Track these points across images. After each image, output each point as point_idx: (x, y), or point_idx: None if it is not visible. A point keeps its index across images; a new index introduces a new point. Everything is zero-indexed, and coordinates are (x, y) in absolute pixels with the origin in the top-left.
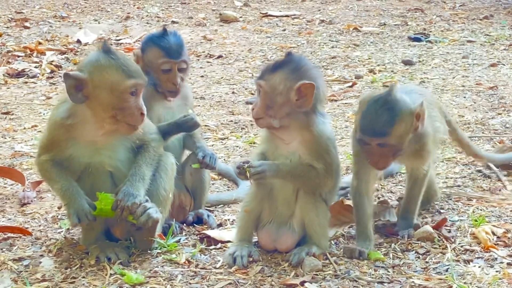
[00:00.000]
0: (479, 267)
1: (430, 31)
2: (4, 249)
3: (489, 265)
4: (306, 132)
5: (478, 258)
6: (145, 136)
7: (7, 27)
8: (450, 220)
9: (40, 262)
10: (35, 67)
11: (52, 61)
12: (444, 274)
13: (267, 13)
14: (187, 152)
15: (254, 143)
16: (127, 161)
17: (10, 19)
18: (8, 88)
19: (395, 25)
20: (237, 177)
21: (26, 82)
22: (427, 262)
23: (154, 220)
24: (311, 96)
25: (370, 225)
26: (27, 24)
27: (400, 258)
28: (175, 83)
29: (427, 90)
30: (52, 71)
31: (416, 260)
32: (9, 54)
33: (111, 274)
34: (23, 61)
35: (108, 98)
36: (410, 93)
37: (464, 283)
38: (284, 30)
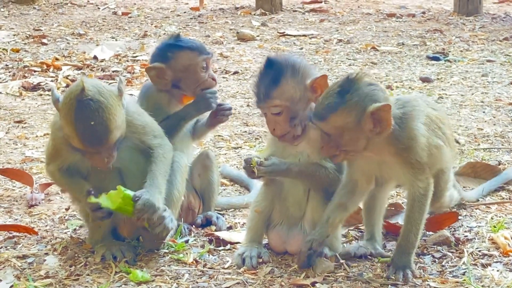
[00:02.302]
0: (497, 271)
1: (449, 51)
2: (8, 247)
3: (508, 269)
4: (313, 131)
5: (496, 262)
6: (148, 137)
7: (25, 43)
8: (467, 226)
9: (45, 260)
10: (51, 81)
11: (68, 75)
12: (461, 278)
13: (284, 32)
14: (194, 154)
15: (266, 146)
16: (133, 159)
17: (28, 36)
18: (22, 100)
19: (414, 45)
20: (245, 173)
21: (41, 95)
22: (443, 266)
23: (169, 231)
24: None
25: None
26: (44, 40)
27: (415, 261)
28: (214, 78)
29: (436, 105)
30: (67, 85)
31: (432, 264)
32: (26, 69)
33: (116, 272)
34: (39, 75)
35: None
36: (407, 101)
37: (482, 286)
38: (301, 48)
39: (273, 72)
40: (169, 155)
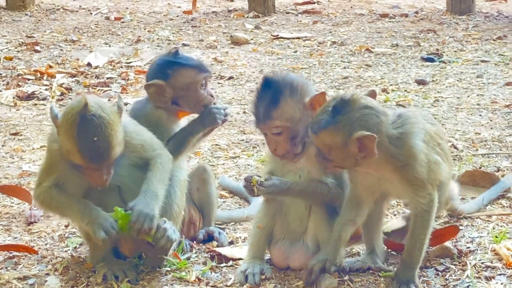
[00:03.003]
0: (501, 284)
1: (443, 52)
2: (9, 268)
3: None
4: (312, 147)
5: (500, 274)
6: (147, 153)
7: (18, 51)
8: (469, 237)
9: (46, 281)
10: (45, 89)
11: (62, 83)
12: None
13: (278, 35)
14: (191, 166)
15: (265, 161)
16: (132, 175)
17: (20, 43)
18: (17, 110)
19: (408, 46)
20: (245, 191)
21: (36, 104)
22: (446, 279)
23: (172, 242)
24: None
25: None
26: (37, 48)
27: (418, 275)
28: (212, 94)
29: (433, 119)
30: (62, 94)
31: (436, 277)
32: (19, 77)
33: None
34: (33, 84)
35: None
36: (407, 118)
37: None
38: (296, 51)
39: (272, 92)
40: (167, 165)
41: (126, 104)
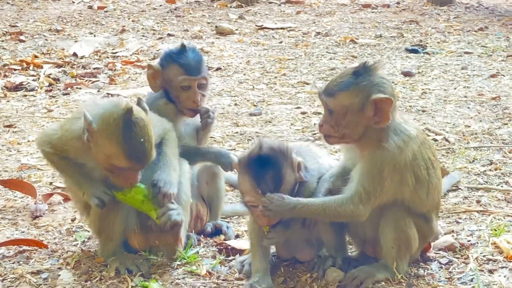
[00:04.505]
0: (504, 276)
1: (427, 43)
2: (21, 262)
3: None
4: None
5: (502, 268)
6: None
7: (2, 41)
8: (469, 230)
9: (59, 275)
10: (33, 80)
11: (50, 74)
12: (470, 285)
13: (262, 25)
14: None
15: None
16: None
17: (4, 32)
18: (8, 101)
19: (391, 37)
20: None
21: (25, 95)
22: (450, 272)
23: (174, 222)
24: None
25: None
26: (22, 37)
27: (423, 268)
28: (195, 101)
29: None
30: (50, 84)
31: (440, 270)
32: (6, 67)
33: (132, 286)
34: (20, 74)
35: (99, 160)
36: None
37: None
38: (281, 42)
39: (272, 170)
40: (176, 141)
41: (118, 95)
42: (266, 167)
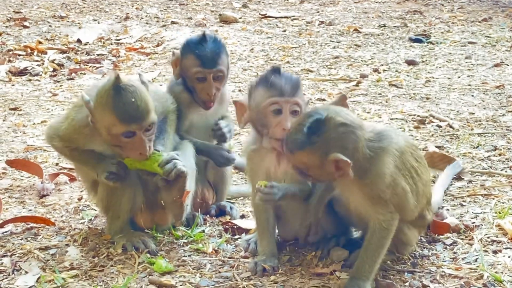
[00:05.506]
0: (508, 257)
1: (431, 33)
2: (29, 239)
3: None
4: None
5: (506, 248)
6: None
7: (6, 27)
8: (473, 212)
9: (67, 251)
10: (37, 65)
11: (54, 60)
12: (474, 264)
13: (266, 14)
14: None
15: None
16: None
17: (9, 18)
18: (13, 85)
19: (395, 26)
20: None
21: (30, 80)
22: (455, 253)
23: (178, 170)
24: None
25: None
26: (26, 23)
27: (428, 248)
28: (209, 93)
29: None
30: (54, 70)
31: (444, 250)
32: (10, 53)
33: (139, 262)
34: (25, 59)
35: (105, 137)
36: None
37: (495, 272)
38: (285, 31)
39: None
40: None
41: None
42: (286, 74)
